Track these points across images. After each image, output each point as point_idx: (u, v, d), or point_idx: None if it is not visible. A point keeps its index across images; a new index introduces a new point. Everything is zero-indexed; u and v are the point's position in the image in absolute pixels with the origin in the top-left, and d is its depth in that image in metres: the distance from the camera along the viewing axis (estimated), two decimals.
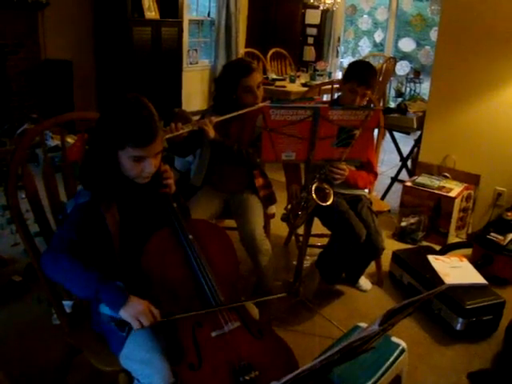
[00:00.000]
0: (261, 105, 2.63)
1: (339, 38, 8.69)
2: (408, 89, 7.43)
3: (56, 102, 5.63)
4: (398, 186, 4.50)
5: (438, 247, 3.63)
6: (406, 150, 4.83)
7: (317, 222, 2.92)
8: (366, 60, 6.55)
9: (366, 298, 3.12)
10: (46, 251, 1.69)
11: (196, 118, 2.93)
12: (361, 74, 2.80)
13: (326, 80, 6.07)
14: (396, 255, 3.31)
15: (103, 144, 1.67)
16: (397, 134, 4.75)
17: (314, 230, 2.94)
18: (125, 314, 1.54)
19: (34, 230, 1.89)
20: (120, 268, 1.75)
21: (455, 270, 3.03)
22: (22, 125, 5.09)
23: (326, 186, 2.49)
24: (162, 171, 1.83)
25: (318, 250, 3.08)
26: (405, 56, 8.77)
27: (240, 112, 2.66)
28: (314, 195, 2.42)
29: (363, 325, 2.12)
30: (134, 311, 1.53)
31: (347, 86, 2.83)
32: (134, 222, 1.79)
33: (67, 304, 2.00)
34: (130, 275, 1.73)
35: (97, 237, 1.71)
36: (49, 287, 1.87)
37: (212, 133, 2.63)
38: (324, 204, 2.44)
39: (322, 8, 7.89)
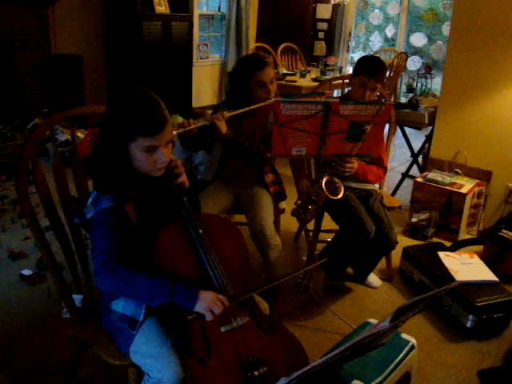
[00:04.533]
0: (272, 100, 2.62)
1: (350, 33, 8.64)
2: (419, 84, 7.38)
3: (66, 97, 5.65)
4: (408, 182, 4.48)
5: (448, 244, 3.61)
6: (417, 146, 4.80)
7: (326, 217, 2.91)
8: (377, 55, 6.51)
9: (376, 295, 3.11)
10: (99, 273, 1.66)
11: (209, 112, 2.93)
12: (370, 67, 2.81)
13: (337, 75, 6.06)
14: (406, 251, 3.30)
15: (113, 138, 1.66)
16: (408, 130, 4.72)
17: (323, 226, 2.94)
18: (199, 307, 1.61)
19: (44, 224, 1.90)
20: (139, 263, 1.75)
21: (466, 266, 3.01)
22: (33, 119, 5.12)
23: (337, 180, 2.48)
24: (174, 167, 1.83)
25: None
26: (416, 51, 8.71)
27: (252, 107, 2.66)
28: (324, 189, 2.41)
29: (373, 321, 2.11)
30: (207, 304, 1.61)
31: (357, 80, 2.85)
32: (149, 218, 1.79)
33: (77, 298, 2.00)
34: (147, 270, 1.73)
35: (125, 236, 1.71)
36: (59, 281, 1.88)
37: (224, 128, 2.63)
38: (334, 198, 2.43)
39: (333, 2, 7.86)
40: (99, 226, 1.70)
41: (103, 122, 1.71)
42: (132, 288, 1.64)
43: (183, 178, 1.85)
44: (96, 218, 1.70)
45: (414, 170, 4.72)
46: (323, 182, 2.42)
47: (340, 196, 2.45)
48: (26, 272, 3.01)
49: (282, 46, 6.73)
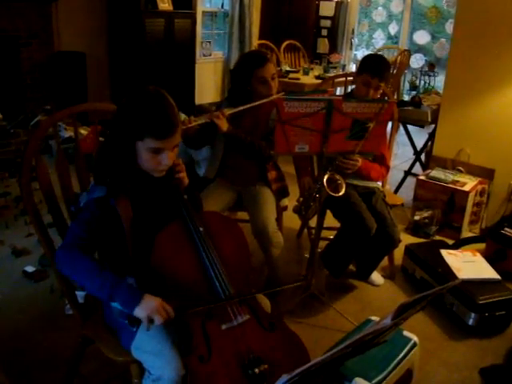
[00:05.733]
0: (274, 97, 2.62)
1: (353, 31, 8.61)
2: (422, 82, 7.35)
3: (69, 94, 5.64)
4: (411, 180, 4.48)
5: (451, 241, 3.61)
6: (419, 144, 4.79)
7: (329, 215, 2.91)
8: (380, 53, 6.50)
9: (378, 292, 3.12)
10: (60, 247, 1.69)
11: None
12: (374, 66, 2.81)
13: (340, 72, 6.04)
14: (409, 249, 3.30)
15: (122, 135, 1.67)
16: (411, 127, 4.71)
17: (326, 223, 2.94)
18: (139, 313, 1.55)
19: (47, 220, 1.90)
20: (132, 263, 1.75)
21: (468, 264, 3.01)
22: (36, 116, 5.12)
23: (338, 177, 2.49)
24: (175, 165, 1.83)
25: None
26: (419, 49, 8.68)
27: (253, 104, 2.65)
28: (325, 186, 2.41)
29: (375, 318, 2.12)
30: (148, 310, 1.54)
31: (360, 79, 2.85)
32: (147, 216, 1.79)
33: (80, 294, 2.01)
34: (142, 270, 1.73)
35: (110, 232, 1.72)
36: (61, 278, 1.88)
37: (225, 125, 2.62)
38: (336, 195, 2.43)
39: (336, 0, 7.82)
40: (84, 211, 1.71)
41: (115, 117, 1.72)
42: (79, 274, 1.63)
43: (183, 175, 1.86)
44: (85, 204, 1.72)
45: (417, 168, 4.71)
46: (324, 180, 2.43)
47: (341, 193, 2.45)
48: (29, 269, 3.02)
49: (284, 44, 6.73)
